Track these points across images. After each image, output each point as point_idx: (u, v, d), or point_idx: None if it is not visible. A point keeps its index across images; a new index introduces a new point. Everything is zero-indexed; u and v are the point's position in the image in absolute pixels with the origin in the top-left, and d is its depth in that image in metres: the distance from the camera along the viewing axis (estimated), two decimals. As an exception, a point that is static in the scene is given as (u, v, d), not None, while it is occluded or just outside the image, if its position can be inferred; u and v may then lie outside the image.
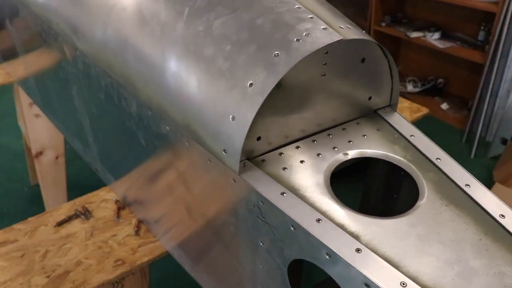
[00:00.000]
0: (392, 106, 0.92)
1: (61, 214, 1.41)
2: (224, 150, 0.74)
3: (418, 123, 1.97)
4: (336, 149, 0.81)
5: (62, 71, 1.38)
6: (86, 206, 1.43)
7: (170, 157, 0.96)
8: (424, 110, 1.85)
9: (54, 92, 1.61)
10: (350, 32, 0.74)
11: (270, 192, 0.71)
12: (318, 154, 0.80)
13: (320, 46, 0.69)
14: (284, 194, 0.71)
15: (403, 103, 1.92)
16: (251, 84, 0.70)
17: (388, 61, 0.85)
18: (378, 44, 0.80)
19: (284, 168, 0.77)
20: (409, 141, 0.83)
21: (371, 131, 0.86)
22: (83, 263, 1.26)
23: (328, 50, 0.75)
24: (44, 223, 1.39)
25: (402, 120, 0.88)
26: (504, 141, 2.81)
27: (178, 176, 0.96)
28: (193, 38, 0.80)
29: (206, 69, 0.76)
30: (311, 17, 0.74)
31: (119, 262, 1.26)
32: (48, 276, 1.20)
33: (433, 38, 3.30)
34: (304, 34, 0.71)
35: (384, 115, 0.90)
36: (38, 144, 2.23)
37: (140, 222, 1.36)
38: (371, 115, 0.90)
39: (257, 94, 0.69)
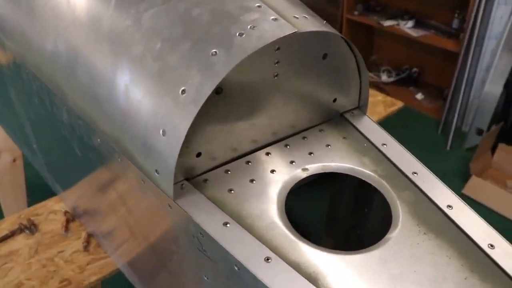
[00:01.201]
0: (361, 108, 0.78)
1: (4, 229, 1.24)
2: (156, 171, 0.59)
3: (391, 117, 1.85)
4: (294, 163, 0.67)
5: (0, 73, 1.21)
6: (33, 218, 1.27)
7: (105, 174, 0.80)
8: (399, 104, 1.72)
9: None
10: (307, 23, 0.59)
11: (210, 222, 0.56)
12: (272, 171, 0.65)
13: (269, 41, 0.54)
14: (228, 225, 0.56)
15: (377, 97, 1.79)
16: (183, 91, 0.55)
17: (355, 56, 0.70)
18: (342, 37, 0.66)
19: (230, 190, 0.62)
20: (380, 151, 0.69)
21: (337, 139, 0.72)
22: (24, 285, 1.10)
23: (280, 45, 0.60)
24: (-16, 239, 1.22)
25: (372, 125, 0.74)
26: (479, 132, 2.70)
27: (117, 195, 0.81)
28: (120, 35, 0.64)
29: (134, 72, 0.61)
30: (258, 6, 0.58)
31: (65, 283, 1.10)
32: (-19, 303, 1.04)
33: (407, 27, 3.17)
34: (249, 27, 0.56)
35: (351, 119, 0.76)
36: (-8, 147, 2.04)
37: (90, 236, 1.20)
38: (337, 120, 0.76)
39: (190, 103, 0.54)
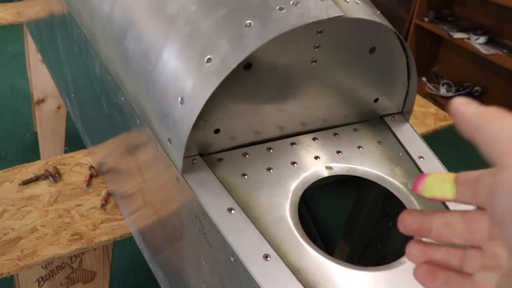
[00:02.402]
0: (404, 114, 0.71)
1: (30, 172, 1.26)
2: (169, 140, 0.56)
3: (442, 131, 1.74)
4: (318, 159, 0.62)
5: (51, 16, 1.21)
6: (58, 167, 1.27)
7: (126, 135, 0.78)
8: (452, 120, 1.61)
9: (47, 39, 1.44)
10: (357, 9, 0.53)
11: (214, 205, 0.52)
12: (293, 163, 0.60)
13: (309, 21, 0.49)
14: (232, 211, 0.52)
15: (429, 108, 1.68)
16: (209, 60, 0.50)
17: (407, 56, 0.64)
18: (395, 32, 0.59)
19: (244, 175, 0.57)
20: (416, 164, 0.63)
21: (370, 142, 0.66)
22: (38, 231, 1.10)
23: (323, 28, 0.55)
24: (10, 179, 1.24)
25: (413, 134, 0.68)
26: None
27: (135, 159, 0.78)
28: (159, -9, 0.61)
29: (164, 31, 0.57)
30: (308, -19, 0.53)
31: (76, 237, 1.10)
32: (-2, 239, 1.06)
33: (478, 42, 2.99)
34: (291, 2, 0.50)
35: (391, 124, 0.69)
36: (40, 91, 2.09)
37: (109, 195, 1.19)
38: (375, 122, 0.70)
39: (213, 73, 0.49)
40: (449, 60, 3.49)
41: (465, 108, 0.34)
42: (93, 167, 1.27)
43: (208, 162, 0.58)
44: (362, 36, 0.58)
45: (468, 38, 3.05)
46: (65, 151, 2.29)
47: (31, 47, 1.99)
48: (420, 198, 0.59)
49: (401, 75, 0.66)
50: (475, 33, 3.02)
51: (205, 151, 0.59)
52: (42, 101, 2.10)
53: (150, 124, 0.60)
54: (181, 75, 0.53)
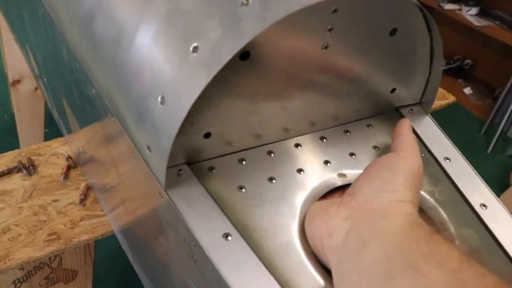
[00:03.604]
0: (423, 106, 0.60)
1: (2, 164, 1.13)
2: (148, 147, 0.44)
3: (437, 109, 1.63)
4: (329, 164, 0.51)
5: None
6: (33, 158, 1.15)
7: (101, 131, 0.66)
8: (451, 99, 1.51)
9: (16, 17, 1.29)
10: (380, -19, 0.42)
11: (207, 231, 0.41)
12: (300, 170, 0.49)
13: (324, -1, 0.38)
14: (229, 238, 0.41)
15: (428, 86, 1.58)
16: (195, 49, 0.39)
17: (432, 39, 0.53)
18: (422, 9, 0.48)
19: (241, 188, 0.46)
20: (442, 167, 0.52)
21: (387, 141, 0.55)
22: (11, 231, 0.99)
23: (338, 6, 0.43)
24: (-21, 172, 1.11)
25: (434, 129, 0.57)
26: (527, 140, 2.47)
27: (110, 158, 0.67)
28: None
29: (138, 10, 0.45)
30: None
31: (53, 237, 0.98)
32: (-35, 242, 0.94)
33: (469, 13, 2.87)
34: (300, -27, 0.39)
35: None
36: (16, 71, 1.94)
37: (89, 189, 1.08)
38: (390, 115, 0.59)
39: (202, 66, 0.38)
40: (440, 32, 3.37)
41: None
42: (70, 157, 1.15)
43: (197, 172, 0.47)
44: (383, 15, 0.47)
45: (460, 9, 2.93)
46: (46, 134, 2.15)
47: (3, 24, 1.83)
48: (449, 210, 0.49)
49: (423, 60, 0.55)
50: (466, 4, 2.90)
51: (194, 159, 0.48)
52: (18, 82, 1.95)
53: (126, 126, 0.49)
54: (160, 67, 0.41)
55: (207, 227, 0.41)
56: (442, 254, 0.32)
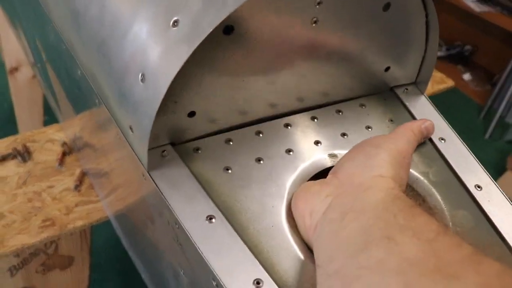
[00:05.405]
0: (418, 85, 0.58)
1: (-4, 150, 1.12)
2: (130, 127, 0.42)
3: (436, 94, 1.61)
4: (319, 145, 0.49)
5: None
6: (28, 145, 1.13)
7: (89, 115, 0.64)
8: (449, 83, 1.49)
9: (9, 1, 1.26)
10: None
11: (190, 213, 0.39)
12: (289, 151, 0.47)
13: (311, -33, 0.35)
14: (212, 220, 0.39)
15: (426, 71, 1.55)
16: (175, 23, 0.36)
17: (427, 15, 0.50)
18: (416, -17, 0.46)
19: (227, 169, 0.44)
20: (436, 148, 0.50)
21: (381, 121, 0.53)
22: (5, 218, 0.97)
23: (328, -22, 0.41)
24: (-26, 159, 1.10)
25: (430, 109, 0.55)
26: (525, 125, 2.44)
27: (100, 142, 0.65)
28: None
29: (119, -15, 0.43)
30: None
31: (48, 223, 0.96)
32: (-42, 230, 0.93)
33: None
34: None
35: (404, 97, 0.56)
36: (13, 58, 1.91)
37: (84, 175, 1.06)
38: (384, 95, 0.56)
39: (182, 41, 0.36)
40: (440, 18, 3.30)
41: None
42: (66, 143, 1.13)
43: (182, 153, 0.45)
44: (375, -12, 0.44)
45: (460, -5, 2.87)
46: (45, 121, 2.13)
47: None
48: (444, 191, 0.47)
49: (418, 37, 0.52)
50: (467, -10, 2.85)
51: (178, 139, 0.45)
52: (15, 69, 1.93)
53: (109, 107, 0.46)
54: (140, 43, 0.39)
55: (190, 210, 0.39)
56: (419, 226, 0.31)
